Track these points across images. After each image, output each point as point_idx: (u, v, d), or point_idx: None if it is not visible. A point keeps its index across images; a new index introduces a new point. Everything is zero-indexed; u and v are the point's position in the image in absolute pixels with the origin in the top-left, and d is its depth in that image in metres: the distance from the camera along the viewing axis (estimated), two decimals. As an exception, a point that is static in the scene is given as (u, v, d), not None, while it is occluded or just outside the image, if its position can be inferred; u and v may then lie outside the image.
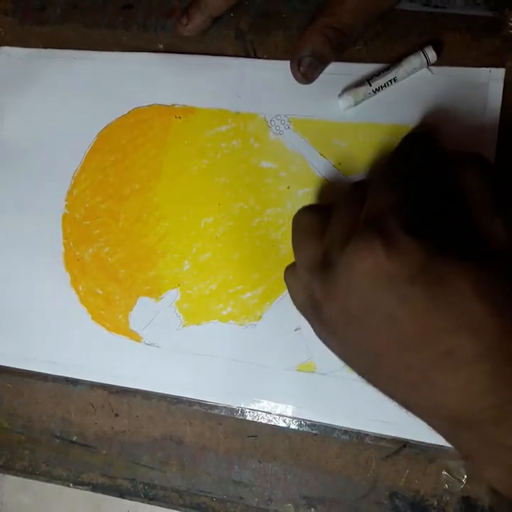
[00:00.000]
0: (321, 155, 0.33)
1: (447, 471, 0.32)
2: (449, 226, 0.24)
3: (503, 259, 0.23)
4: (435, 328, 0.21)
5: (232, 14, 0.35)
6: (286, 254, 0.34)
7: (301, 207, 0.28)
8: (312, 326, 0.27)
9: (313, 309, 0.25)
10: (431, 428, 0.24)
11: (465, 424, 0.22)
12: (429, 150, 0.28)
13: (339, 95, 0.32)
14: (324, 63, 0.32)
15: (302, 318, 0.28)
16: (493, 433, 0.21)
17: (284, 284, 0.29)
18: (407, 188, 0.24)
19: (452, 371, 0.21)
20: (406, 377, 0.23)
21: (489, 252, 0.24)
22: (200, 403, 0.35)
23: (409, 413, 0.24)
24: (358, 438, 0.33)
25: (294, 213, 0.28)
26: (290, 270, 0.28)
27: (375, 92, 0.32)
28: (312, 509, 0.33)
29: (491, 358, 0.21)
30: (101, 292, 0.36)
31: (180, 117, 0.35)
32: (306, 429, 0.33)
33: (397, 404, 0.25)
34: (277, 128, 0.34)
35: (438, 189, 0.26)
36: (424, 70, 0.32)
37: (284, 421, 0.34)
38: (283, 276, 0.29)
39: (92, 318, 0.36)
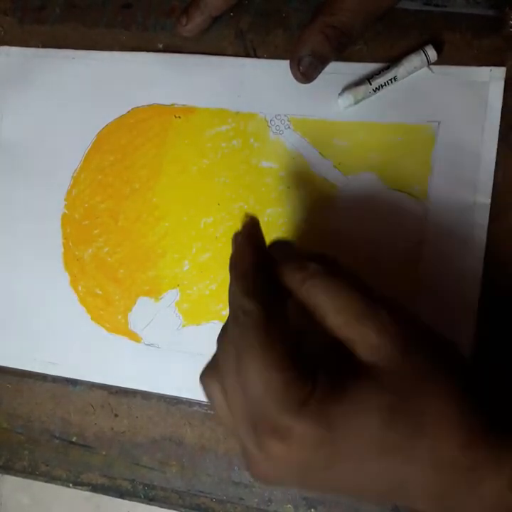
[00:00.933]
0: (321, 155, 0.33)
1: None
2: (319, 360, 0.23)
3: (392, 363, 0.22)
4: (371, 472, 0.21)
5: (231, 14, 0.35)
6: (286, 254, 0.34)
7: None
8: None
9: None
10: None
11: None
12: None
13: (339, 94, 0.32)
14: (324, 63, 0.31)
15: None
16: None
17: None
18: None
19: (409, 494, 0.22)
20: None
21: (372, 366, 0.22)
22: (200, 404, 0.35)
23: None
24: (358, 438, 0.33)
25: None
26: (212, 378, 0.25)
27: (375, 91, 0.32)
28: (312, 510, 0.33)
29: (441, 470, 0.21)
30: (100, 292, 0.36)
31: (179, 117, 0.35)
32: (306, 429, 0.33)
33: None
34: (277, 128, 0.34)
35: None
36: (425, 69, 0.32)
37: (284, 421, 0.33)
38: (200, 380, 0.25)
39: (92, 318, 0.36)
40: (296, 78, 0.32)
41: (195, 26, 0.34)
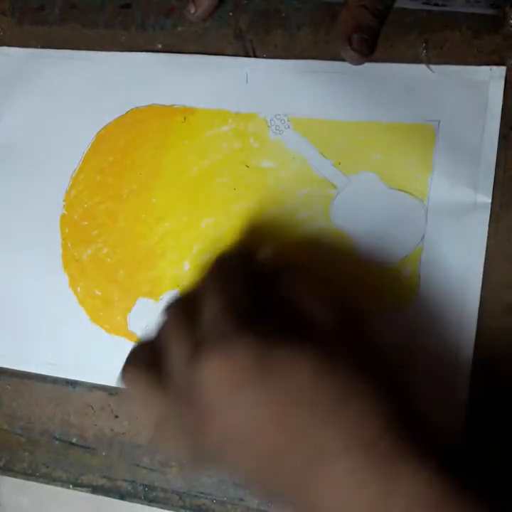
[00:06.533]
0: (321, 154, 0.33)
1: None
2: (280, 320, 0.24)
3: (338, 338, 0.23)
4: (293, 428, 0.20)
5: (231, 13, 0.35)
6: (286, 254, 0.34)
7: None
8: None
9: None
10: None
11: None
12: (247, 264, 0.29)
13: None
14: (372, 34, 0.28)
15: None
16: None
17: None
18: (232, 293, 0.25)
19: (325, 468, 0.19)
20: (281, 486, 0.21)
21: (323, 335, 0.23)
22: (200, 404, 0.34)
23: None
24: (359, 439, 0.33)
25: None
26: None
27: None
28: None
29: (357, 448, 0.19)
30: (100, 293, 0.36)
31: (179, 117, 0.35)
32: (306, 430, 0.33)
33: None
34: (277, 128, 0.34)
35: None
36: (425, 69, 0.32)
37: (285, 422, 0.33)
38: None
39: (91, 319, 0.36)
40: (352, 60, 0.29)
41: (204, 10, 0.34)
